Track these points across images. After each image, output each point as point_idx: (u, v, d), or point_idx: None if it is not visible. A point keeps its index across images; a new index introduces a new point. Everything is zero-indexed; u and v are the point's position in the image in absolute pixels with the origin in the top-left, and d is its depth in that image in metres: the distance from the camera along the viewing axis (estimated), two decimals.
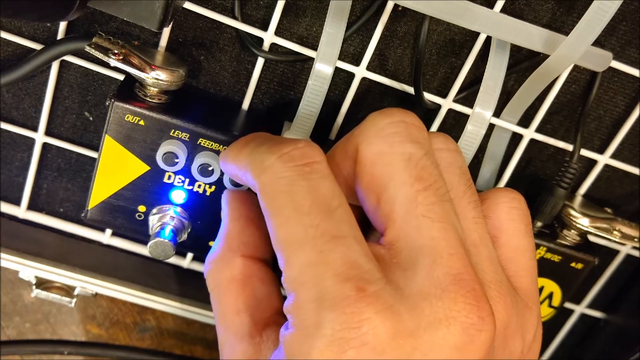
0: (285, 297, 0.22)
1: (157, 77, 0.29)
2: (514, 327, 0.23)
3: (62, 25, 0.31)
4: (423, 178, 0.22)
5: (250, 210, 0.27)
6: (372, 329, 0.19)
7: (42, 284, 0.38)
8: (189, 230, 0.32)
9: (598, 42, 0.31)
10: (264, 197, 0.22)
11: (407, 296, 0.20)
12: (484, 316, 0.20)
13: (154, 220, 0.31)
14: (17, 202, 0.37)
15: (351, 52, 0.32)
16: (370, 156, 0.23)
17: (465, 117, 0.34)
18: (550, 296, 0.36)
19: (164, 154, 0.29)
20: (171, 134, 0.30)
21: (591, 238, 0.37)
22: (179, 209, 0.32)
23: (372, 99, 0.34)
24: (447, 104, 0.33)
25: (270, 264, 0.27)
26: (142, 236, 0.32)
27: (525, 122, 0.34)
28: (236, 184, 0.30)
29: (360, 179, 0.23)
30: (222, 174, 0.30)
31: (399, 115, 0.23)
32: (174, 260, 0.39)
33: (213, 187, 0.31)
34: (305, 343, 0.20)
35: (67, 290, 0.39)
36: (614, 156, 0.36)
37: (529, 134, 0.34)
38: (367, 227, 0.24)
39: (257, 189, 0.22)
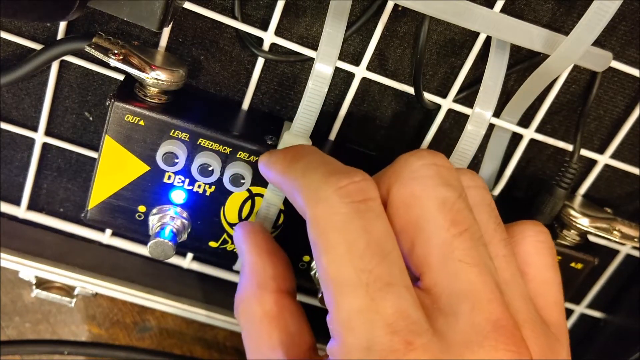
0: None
1: (157, 77, 0.29)
2: None
3: (62, 25, 0.31)
4: (458, 222, 0.22)
5: (269, 243, 0.28)
6: None
7: (42, 283, 0.38)
8: (189, 230, 0.32)
9: (598, 42, 0.31)
10: (316, 230, 0.22)
11: (450, 345, 0.20)
12: None
13: (154, 221, 0.31)
14: (17, 202, 0.37)
15: (351, 52, 0.32)
16: (404, 199, 0.23)
17: (465, 117, 0.34)
18: None
19: (164, 154, 0.29)
20: (171, 134, 0.30)
21: (591, 238, 0.37)
22: (179, 209, 0.32)
23: (372, 99, 0.34)
24: (447, 104, 0.33)
25: (296, 295, 0.27)
26: (142, 236, 0.32)
27: (525, 122, 0.34)
28: (237, 184, 0.30)
29: (393, 222, 0.23)
30: (222, 174, 0.30)
31: (430, 158, 0.24)
32: (174, 260, 0.39)
33: (213, 187, 0.31)
34: None
35: (67, 290, 0.39)
36: (614, 156, 0.36)
37: (529, 134, 0.35)
38: None
39: (308, 218, 0.22)
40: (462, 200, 0.23)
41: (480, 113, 0.30)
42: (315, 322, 0.31)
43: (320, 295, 0.30)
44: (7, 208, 0.37)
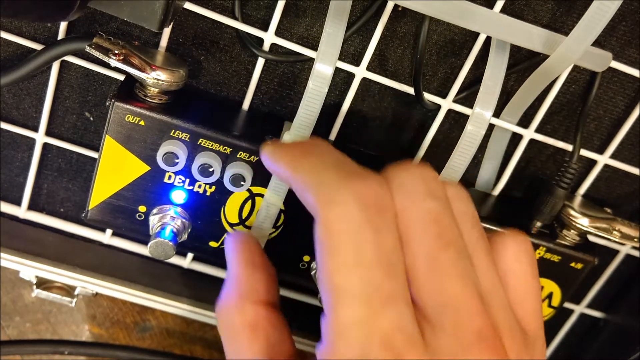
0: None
1: (157, 78, 0.29)
2: None
3: (63, 25, 0.31)
4: (444, 235, 0.23)
5: (257, 255, 0.28)
6: None
7: (42, 283, 0.38)
8: (189, 230, 0.32)
9: (598, 42, 0.31)
10: (326, 232, 0.22)
11: (438, 357, 0.21)
12: None
13: (154, 221, 0.31)
14: (17, 202, 0.37)
15: (351, 52, 0.32)
16: None
17: (465, 117, 0.34)
18: (550, 296, 0.36)
19: (165, 154, 0.29)
20: (171, 134, 0.30)
21: (591, 238, 0.37)
22: (179, 209, 0.32)
23: (372, 99, 0.34)
24: (447, 104, 0.33)
25: (279, 307, 0.27)
26: (143, 236, 0.32)
27: (525, 122, 0.34)
28: (237, 184, 0.30)
29: None
30: (222, 174, 0.30)
31: (417, 170, 0.24)
32: (174, 260, 0.39)
33: (213, 187, 0.31)
34: None
35: (68, 290, 0.39)
36: (614, 156, 0.36)
37: (529, 134, 0.35)
38: None
39: (319, 219, 0.22)
40: (448, 213, 0.23)
41: (480, 113, 0.30)
42: (316, 322, 0.31)
43: (320, 296, 0.31)
44: (8, 208, 0.37)
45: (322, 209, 0.22)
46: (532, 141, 0.35)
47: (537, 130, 0.35)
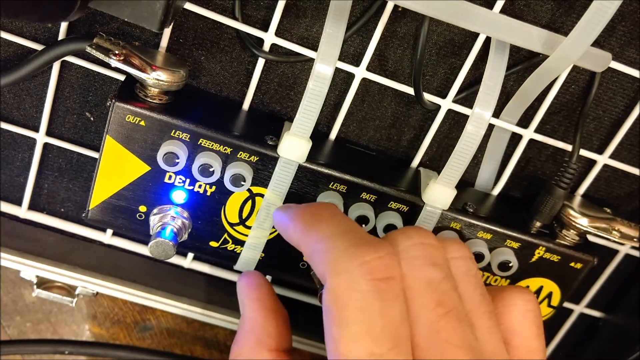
0: None
1: (157, 78, 0.29)
2: None
3: (63, 25, 0.31)
4: (444, 303, 0.23)
5: (269, 299, 0.28)
6: None
7: (43, 283, 0.38)
8: (190, 230, 0.32)
9: (597, 43, 0.32)
10: (333, 301, 0.22)
11: None
12: None
13: (154, 221, 0.32)
14: (18, 202, 0.37)
15: (351, 52, 0.33)
16: None
17: (465, 117, 0.34)
18: (549, 296, 0.36)
19: (165, 154, 0.30)
20: (172, 134, 0.30)
21: (590, 238, 0.37)
22: (179, 209, 0.32)
23: (372, 99, 0.34)
24: (446, 104, 0.34)
25: (292, 353, 0.28)
26: (143, 236, 0.32)
27: (524, 122, 0.34)
28: (237, 184, 0.30)
29: None
30: (222, 174, 0.30)
31: (418, 237, 0.24)
32: (174, 260, 0.39)
33: (213, 187, 0.31)
34: None
35: (68, 290, 0.39)
36: (613, 156, 0.36)
37: (528, 134, 0.35)
38: None
39: (327, 287, 0.22)
40: (448, 280, 0.24)
41: (480, 113, 0.30)
42: (316, 322, 0.31)
43: (319, 294, 0.31)
44: (9, 208, 0.37)
45: (330, 277, 0.22)
46: (531, 141, 0.35)
47: (537, 131, 0.35)
